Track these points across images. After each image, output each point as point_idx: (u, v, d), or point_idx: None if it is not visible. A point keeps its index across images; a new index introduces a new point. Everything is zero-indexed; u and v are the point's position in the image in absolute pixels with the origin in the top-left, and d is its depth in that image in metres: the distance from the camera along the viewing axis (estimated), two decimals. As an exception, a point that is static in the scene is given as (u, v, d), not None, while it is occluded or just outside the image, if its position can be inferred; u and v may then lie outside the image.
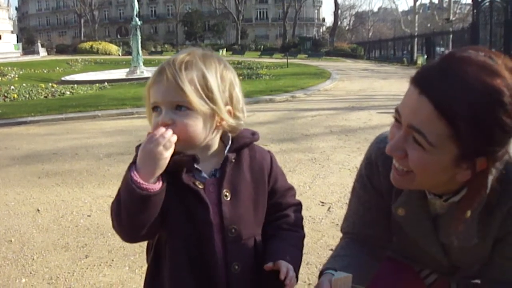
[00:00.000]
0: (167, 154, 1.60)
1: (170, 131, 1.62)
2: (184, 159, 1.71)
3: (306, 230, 4.80)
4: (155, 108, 1.70)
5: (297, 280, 1.80)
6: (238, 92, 1.80)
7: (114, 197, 1.70)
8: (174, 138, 1.62)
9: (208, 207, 1.72)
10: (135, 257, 4.32)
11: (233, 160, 1.80)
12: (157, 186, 1.61)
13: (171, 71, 1.67)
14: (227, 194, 1.76)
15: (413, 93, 1.50)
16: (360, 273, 1.80)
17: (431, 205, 1.80)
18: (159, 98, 1.68)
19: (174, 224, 1.71)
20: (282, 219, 1.95)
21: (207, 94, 1.70)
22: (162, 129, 1.62)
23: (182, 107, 1.68)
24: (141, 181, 1.58)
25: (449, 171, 1.54)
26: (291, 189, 2.01)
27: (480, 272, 1.91)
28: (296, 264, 1.83)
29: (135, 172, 1.59)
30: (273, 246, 1.87)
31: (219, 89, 1.73)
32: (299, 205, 2.03)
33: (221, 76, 1.75)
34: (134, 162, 1.62)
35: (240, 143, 1.83)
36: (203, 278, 1.74)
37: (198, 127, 1.71)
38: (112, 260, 4.35)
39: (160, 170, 1.62)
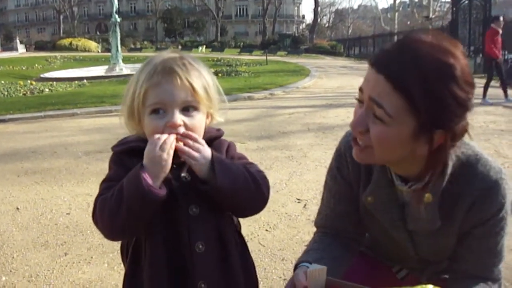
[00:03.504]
0: (170, 159, 1.68)
1: (172, 136, 1.69)
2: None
3: (281, 226, 4.91)
4: (157, 110, 1.74)
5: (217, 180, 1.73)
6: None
7: (101, 195, 1.74)
8: (173, 141, 1.68)
9: (175, 191, 1.77)
10: (114, 254, 4.37)
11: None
12: (164, 191, 1.68)
13: (182, 72, 1.73)
14: (187, 177, 1.81)
15: (372, 73, 1.58)
16: (333, 266, 1.85)
17: (399, 193, 1.86)
18: (169, 99, 1.72)
19: (154, 219, 1.76)
20: None
21: (208, 94, 1.79)
22: (164, 135, 1.68)
23: (190, 108, 1.75)
24: (154, 186, 1.64)
25: (408, 145, 1.61)
26: (251, 163, 1.96)
27: (448, 266, 1.97)
28: (228, 166, 1.79)
29: (147, 176, 1.64)
30: None
31: (213, 88, 1.83)
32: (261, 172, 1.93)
33: (211, 76, 1.84)
34: (142, 165, 1.67)
35: (208, 138, 1.86)
36: (176, 258, 1.79)
37: (202, 126, 1.80)
38: (91, 258, 4.40)
39: (164, 174, 1.68)
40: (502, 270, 1.84)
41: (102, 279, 4.02)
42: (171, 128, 1.72)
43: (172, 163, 1.72)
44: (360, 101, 1.66)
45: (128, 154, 1.82)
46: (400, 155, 1.66)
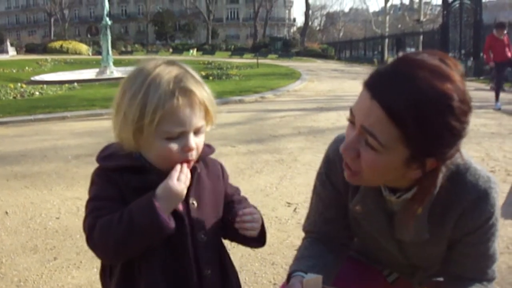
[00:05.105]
0: (185, 191, 1.67)
1: (185, 166, 1.68)
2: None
3: (272, 230, 4.90)
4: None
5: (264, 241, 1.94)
6: None
7: (96, 216, 1.65)
8: (189, 174, 1.69)
9: (183, 217, 1.75)
10: (103, 258, 4.34)
11: (199, 171, 1.83)
12: (173, 222, 1.65)
13: (198, 91, 1.67)
14: (194, 202, 1.79)
15: (365, 97, 1.54)
16: (325, 272, 1.85)
17: (387, 202, 1.85)
18: (188, 125, 1.67)
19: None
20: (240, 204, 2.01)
21: (213, 108, 1.76)
22: (183, 167, 1.67)
23: (201, 128, 1.72)
24: (167, 219, 1.62)
25: (399, 171, 1.60)
26: (238, 188, 2.06)
27: (441, 270, 1.98)
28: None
29: (161, 209, 1.60)
30: (237, 206, 1.93)
31: (213, 100, 1.78)
32: (246, 198, 2.07)
33: (208, 86, 1.78)
34: (154, 195, 1.62)
35: (201, 155, 1.84)
36: (178, 285, 1.77)
37: (203, 144, 1.78)
38: (81, 262, 4.38)
39: (175, 207, 1.68)
40: (496, 270, 1.86)
41: (91, 284, 4.00)
42: (186, 152, 1.68)
43: None
44: (351, 121, 1.64)
45: (118, 170, 1.73)
46: (391, 179, 1.68)
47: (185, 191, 1.66)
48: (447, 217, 1.76)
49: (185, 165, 1.68)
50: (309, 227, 2.14)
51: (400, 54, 1.59)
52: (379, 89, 1.52)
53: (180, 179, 1.64)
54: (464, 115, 1.51)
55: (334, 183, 2.00)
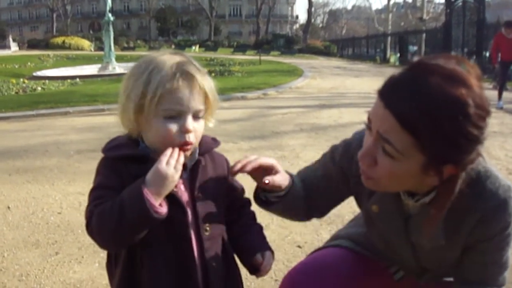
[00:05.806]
0: (177, 176, 1.67)
1: (176, 151, 1.68)
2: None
3: (273, 227, 4.88)
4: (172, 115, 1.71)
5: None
6: None
7: (96, 205, 1.68)
8: (183, 159, 1.69)
9: (185, 208, 1.77)
10: (105, 253, 4.28)
11: (204, 164, 1.86)
12: (165, 208, 1.66)
13: (200, 77, 1.72)
14: (200, 195, 1.81)
15: (379, 105, 1.55)
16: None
17: (405, 205, 1.85)
18: (186, 106, 1.70)
19: (158, 236, 1.75)
20: (245, 216, 2.09)
21: (215, 99, 1.80)
22: (175, 150, 1.68)
23: (200, 113, 1.75)
24: (157, 205, 1.62)
25: (416, 177, 1.59)
26: (241, 186, 2.11)
27: (452, 272, 1.98)
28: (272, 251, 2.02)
29: (150, 196, 1.61)
30: (252, 241, 2.03)
31: (215, 93, 1.81)
32: (250, 201, 2.15)
33: (212, 80, 1.82)
34: (143, 181, 1.63)
35: (207, 148, 1.90)
36: (182, 278, 1.78)
37: (202, 132, 1.80)
38: (82, 257, 4.38)
39: (168, 192, 1.67)
40: (506, 277, 1.86)
41: (93, 278, 4.00)
42: (184, 133, 1.70)
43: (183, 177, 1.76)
44: (368, 127, 1.63)
45: (122, 160, 1.76)
46: (408, 186, 1.68)
47: (176, 176, 1.66)
48: (464, 223, 1.75)
49: (176, 150, 1.69)
50: (302, 174, 2.19)
51: (416, 58, 1.58)
52: (391, 98, 1.52)
53: (169, 163, 1.65)
54: (481, 120, 1.50)
55: (345, 170, 2.01)
